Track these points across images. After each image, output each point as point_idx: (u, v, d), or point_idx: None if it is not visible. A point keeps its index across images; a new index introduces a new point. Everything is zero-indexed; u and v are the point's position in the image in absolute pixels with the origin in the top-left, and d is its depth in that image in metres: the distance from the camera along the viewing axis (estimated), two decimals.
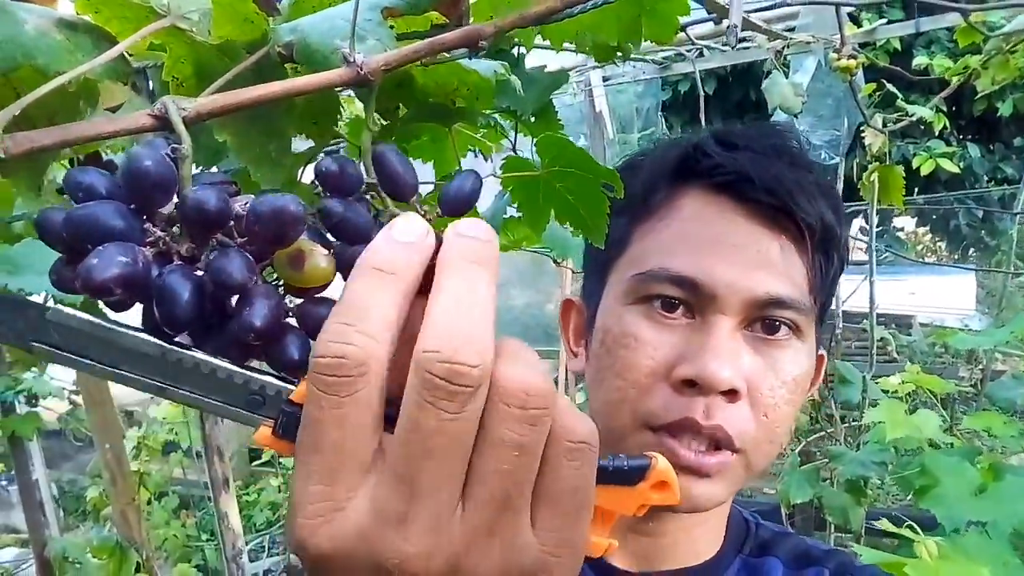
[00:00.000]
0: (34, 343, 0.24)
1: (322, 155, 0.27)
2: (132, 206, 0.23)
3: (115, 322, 0.24)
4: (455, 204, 0.28)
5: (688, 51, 2.66)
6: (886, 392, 1.60)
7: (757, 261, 0.49)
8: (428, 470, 0.22)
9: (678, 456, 0.47)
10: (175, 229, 0.24)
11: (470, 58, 0.36)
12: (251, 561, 3.11)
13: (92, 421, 1.33)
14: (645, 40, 0.48)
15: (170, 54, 0.34)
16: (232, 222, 0.24)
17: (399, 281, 0.24)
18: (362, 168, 0.28)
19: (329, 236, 0.27)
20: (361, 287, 0.23)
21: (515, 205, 0.50)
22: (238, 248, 0.24)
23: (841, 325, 2.27)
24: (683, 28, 2.33)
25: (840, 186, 2.43)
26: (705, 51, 2.70)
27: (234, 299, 0.24)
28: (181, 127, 0.25)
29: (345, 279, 0.24)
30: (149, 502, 2.62)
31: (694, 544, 0.56)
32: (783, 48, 2.37)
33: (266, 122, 0.35)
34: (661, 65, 3.14)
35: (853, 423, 2.20)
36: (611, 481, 0.27)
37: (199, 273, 0.24)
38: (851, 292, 2.37)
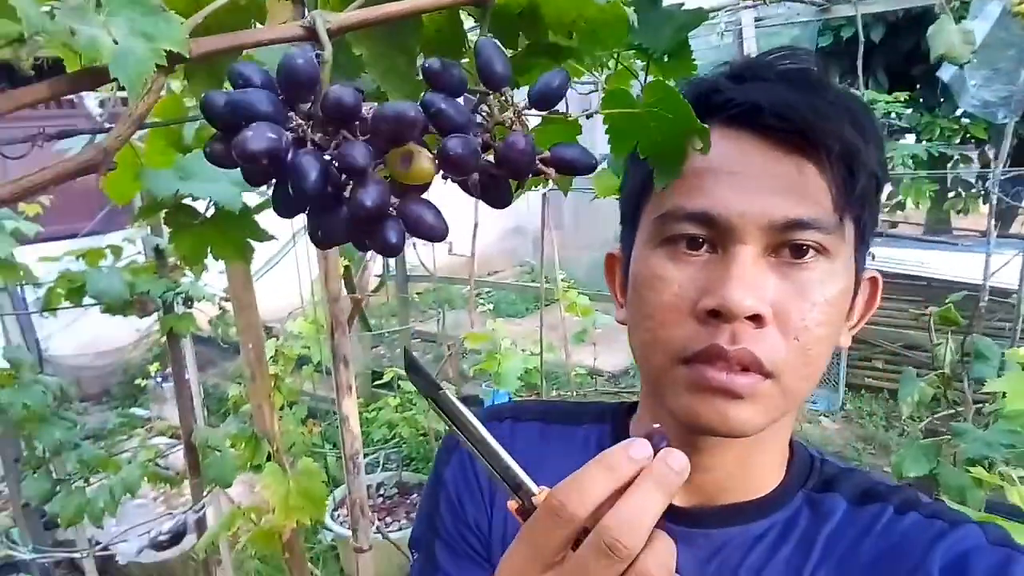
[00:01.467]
0: (432, 398, 0.39)
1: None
2: (281, 97, 0.28)
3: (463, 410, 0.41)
4: (543, 99, 0.31)
5: None
6: (1022, 366, 1.47)
7: (772, 187, 0.49)
8: None
9: (707, 379, 0.48)
10: (312, 122, 0.29)
11: None
12: (367, 473, 3.37)
13: (238, 323, 1.48)
14: None
15: None
16: (358, 123, 0.28)
17: (617, 479, 0.39)
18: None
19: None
20: (594, 472, 0.39)
21: (607, 127, 0.51)
22: (363, 141, 0.28)
23: (987, 299, 2.10)
24: None
25: (1006, 146, 2.20)
26: None
27: (350, 186, 0.29)
28: (325, 37, 0.29)
29: (444, 178, 0.30)
30: (282, 408, 2.88)
31: (751, 477, 0.57)
32: None
33: (398, 40, 0.39)
34: (820, 7, 2.92)
35: (990, 405, 2.06)
36: None
37: (327, 158, 0.28)
38: (1003, 264, 2.18)
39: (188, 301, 1.98)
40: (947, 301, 2.07)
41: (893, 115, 5.75)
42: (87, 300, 1.75)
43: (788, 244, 0.49)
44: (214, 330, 2.33)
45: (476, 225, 3.30)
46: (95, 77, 0.30)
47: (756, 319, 0.48)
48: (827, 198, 0.49)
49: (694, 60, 0.67)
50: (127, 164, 0.85)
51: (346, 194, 0.29)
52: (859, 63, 2.48)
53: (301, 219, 0.35)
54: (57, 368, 4.66)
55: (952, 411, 2.09)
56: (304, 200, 0.29)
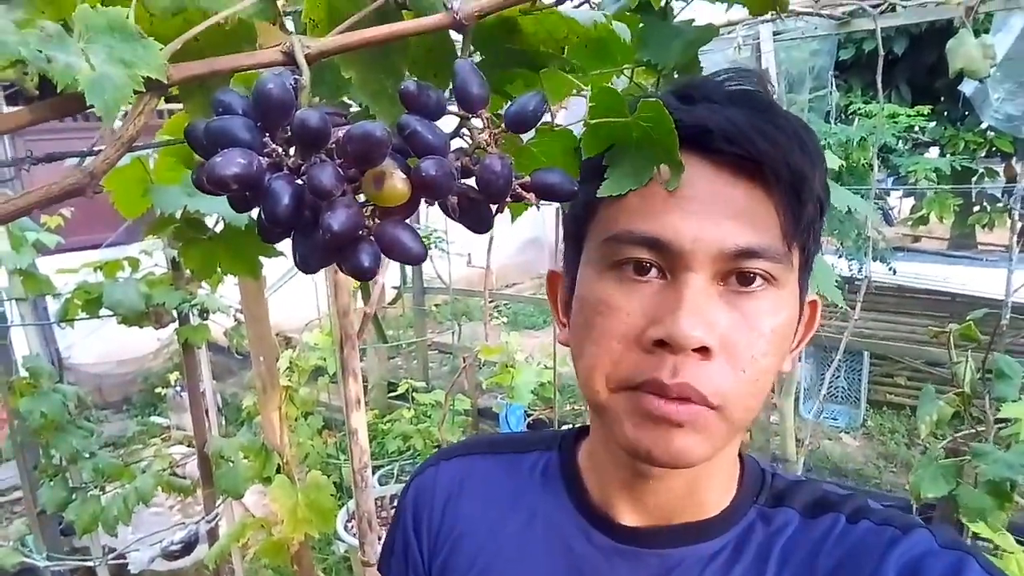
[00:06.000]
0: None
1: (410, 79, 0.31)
2: (259, 124, 0.28)
3: None
4: (518, 122, 0.31)
5: (873, 6, 2.44)
6: None
7: (723, 213, 0.47)
8: None
9: (649, 408, 0.47)
10: (291, 149, 0.29)
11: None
12: (381, 484, 3.37)
13: (249, 335, 1.49)
14: None
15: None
16: (334, 146, 0.28)
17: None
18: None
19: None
20: None
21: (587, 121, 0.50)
22: (333, 163, 0.28)
23: (1008, 316, 2.06)
24: None
25: None
26: (898, 6, 2.45)
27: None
28: (303, 62, 0.29)
29: (417, 199, 0.29)
30: (296, 419, 2.90)
31: (702, 498, 0.56)
32: (976, 3, 2.13)
33: (385, 62, 0.39)
34: (839, 20, 2.90)
35: (1012, 426, 2.01)
36: None
37: (300, 182, 0.28)
38: None
39: (203, 313, 2.00)
40: (968, 319, 2.04)
41: (916, 128, 5.69)
42: (103, 312, 1.77)
43: (737, 272, 0.48)
44: (230, 341, 2.35)
45: (492, 239, 3.31)
46: (80, 102, 0.30)
47: (703, 351, 0.46)
48: (776, 225, 0.48)
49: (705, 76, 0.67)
50: (136, 180, 0.86)
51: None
52: (879, 77, 2.45)
53: None
54: (78, 376, 4.73)
55: (974, 430, 2.05)
56: (279, 225, 0.29)
